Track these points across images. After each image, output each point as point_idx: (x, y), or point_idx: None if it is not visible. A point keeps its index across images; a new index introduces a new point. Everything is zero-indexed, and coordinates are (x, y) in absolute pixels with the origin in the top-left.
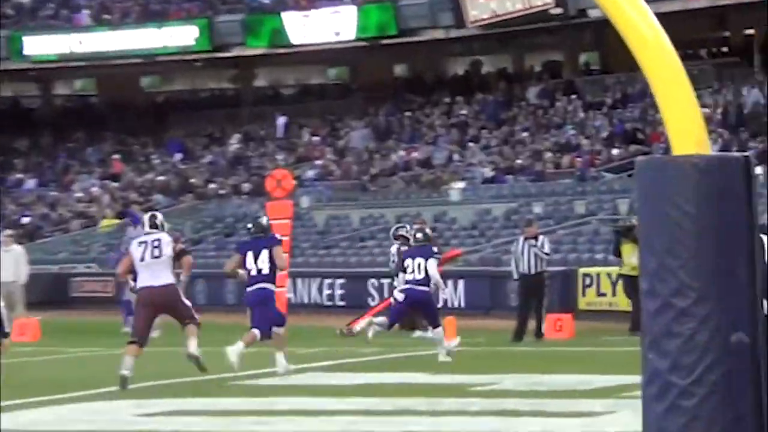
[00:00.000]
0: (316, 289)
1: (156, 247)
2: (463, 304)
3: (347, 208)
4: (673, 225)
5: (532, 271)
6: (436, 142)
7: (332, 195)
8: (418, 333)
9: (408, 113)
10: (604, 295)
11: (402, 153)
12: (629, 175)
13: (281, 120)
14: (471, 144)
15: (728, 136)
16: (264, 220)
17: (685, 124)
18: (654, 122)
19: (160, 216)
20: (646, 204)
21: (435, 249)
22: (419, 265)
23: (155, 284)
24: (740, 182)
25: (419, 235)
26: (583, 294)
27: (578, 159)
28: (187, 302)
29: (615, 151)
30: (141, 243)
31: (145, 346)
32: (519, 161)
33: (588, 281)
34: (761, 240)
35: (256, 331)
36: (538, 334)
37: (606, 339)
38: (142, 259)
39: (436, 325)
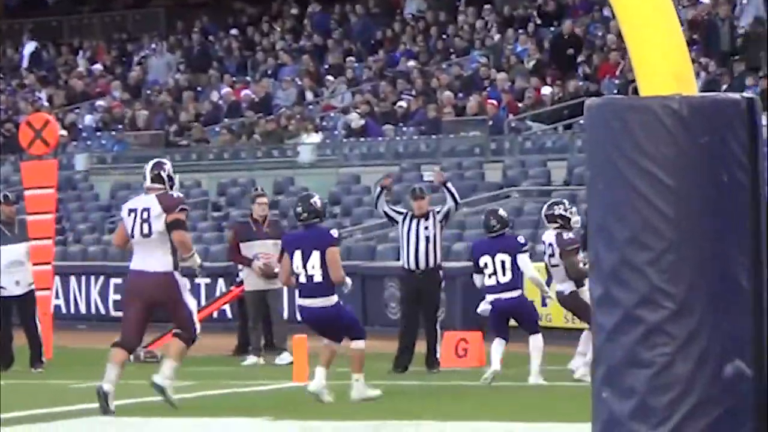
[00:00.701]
0: (97, 292)
1: (145, 220)
2: None
3: None
4: (639, 200)
5: (422, 266)
6: (277, 74)
7: (122, 152)
8: (251, 359)
9: (234, 31)
10: None
11: (226, 90)
12: (567, 127)
13: (29, 46)
14: (330, 78)
15: (716, 68)
16: (317, 200)
17: (659, 51)
18: (606, 47)
19: (168, 166)
20: (598, 169)
21: (521, 239)
22: (503, 263)
23: (147, 269)
24: (740, 136)
25: (493, 222)
26: None
27: (491, 101)
28: (190, 303)
29: (546, 90)
30: (130, 211)
31: (134, 352)
32: (402, 104)
33: None
34: None
35: (330, 343)
36: (432, 361)
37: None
38: (132, 235)
39: (535, 331)
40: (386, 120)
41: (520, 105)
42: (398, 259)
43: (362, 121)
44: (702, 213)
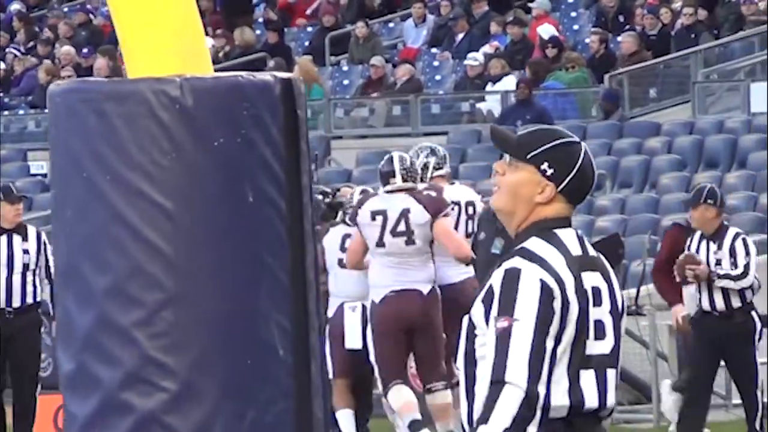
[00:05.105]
0: None
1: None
2: None
3: None
4: (125, 232)
5: None
6: None
7: None
8: None
9: None
10: None
11: None
12: None
13: None
14: None
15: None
16: None
17: (153, 10)
18: None
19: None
20: (63, 186)
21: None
22: None
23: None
24: (272, 135)
25: None
26: None
27: None
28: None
29: None
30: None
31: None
32: None
33: None
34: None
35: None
36: None
37: None
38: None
39: None
40: None
41: None
42: None
43: None
44: (216, 250)
